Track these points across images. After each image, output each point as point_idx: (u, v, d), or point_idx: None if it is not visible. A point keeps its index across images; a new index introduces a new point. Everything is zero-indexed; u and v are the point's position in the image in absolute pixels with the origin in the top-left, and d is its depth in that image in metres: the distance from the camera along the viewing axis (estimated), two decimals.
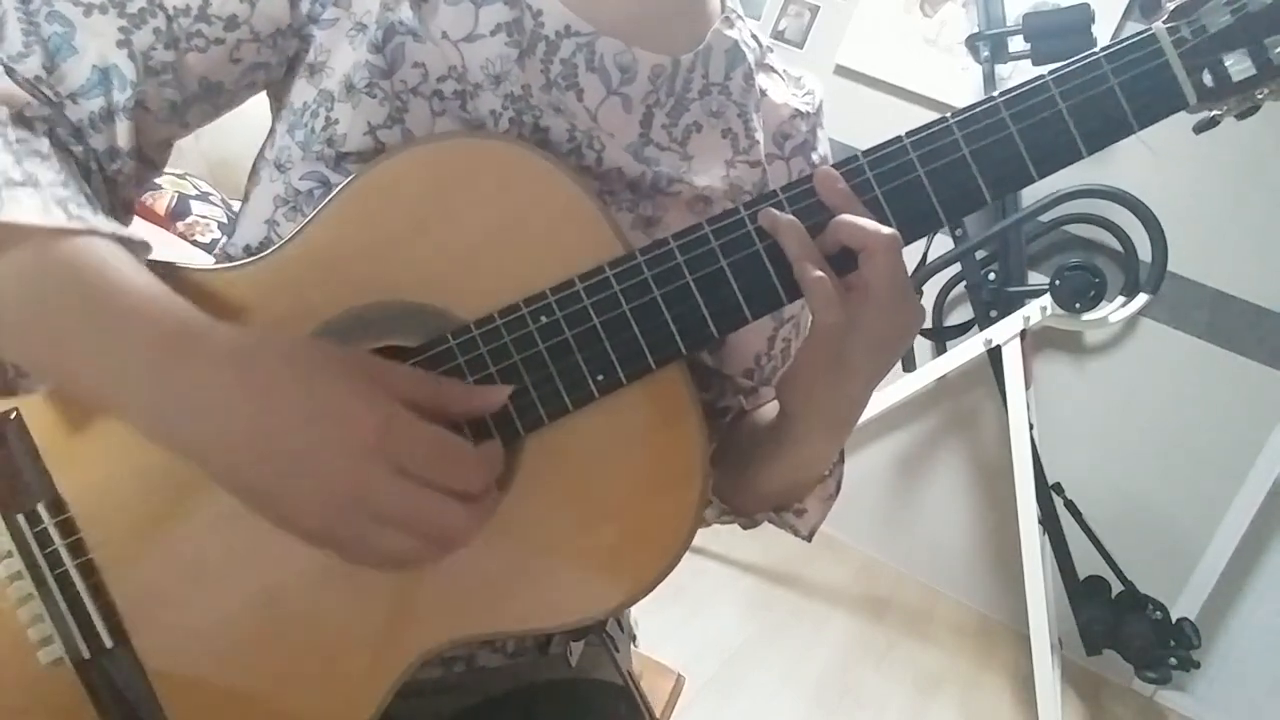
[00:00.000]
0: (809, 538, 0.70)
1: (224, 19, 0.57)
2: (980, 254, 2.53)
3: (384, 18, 0.58)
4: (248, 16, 0.57)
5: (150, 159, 0.61)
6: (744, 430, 0.71)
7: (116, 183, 0.58)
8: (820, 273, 0.53)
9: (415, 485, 0.46)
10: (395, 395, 0.47)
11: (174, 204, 1.94)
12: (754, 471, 0.67)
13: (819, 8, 2.88)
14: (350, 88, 0.58)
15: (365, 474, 0.45)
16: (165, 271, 0.53)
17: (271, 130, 0.64)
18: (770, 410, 0.68)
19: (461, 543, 0.48)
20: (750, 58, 0.69)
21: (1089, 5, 2.10)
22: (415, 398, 0.48)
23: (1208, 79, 0.57)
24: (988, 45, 2.45)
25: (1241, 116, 0.60)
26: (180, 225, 1.94)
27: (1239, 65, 0.57)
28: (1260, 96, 0.58)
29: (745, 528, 0.74)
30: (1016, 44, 2.39)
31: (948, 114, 0.56)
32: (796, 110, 0.72)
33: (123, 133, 0.56)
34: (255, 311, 0.55)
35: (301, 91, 0.60)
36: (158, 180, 1.97)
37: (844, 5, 2.84)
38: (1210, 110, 0.59)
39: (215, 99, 0.60)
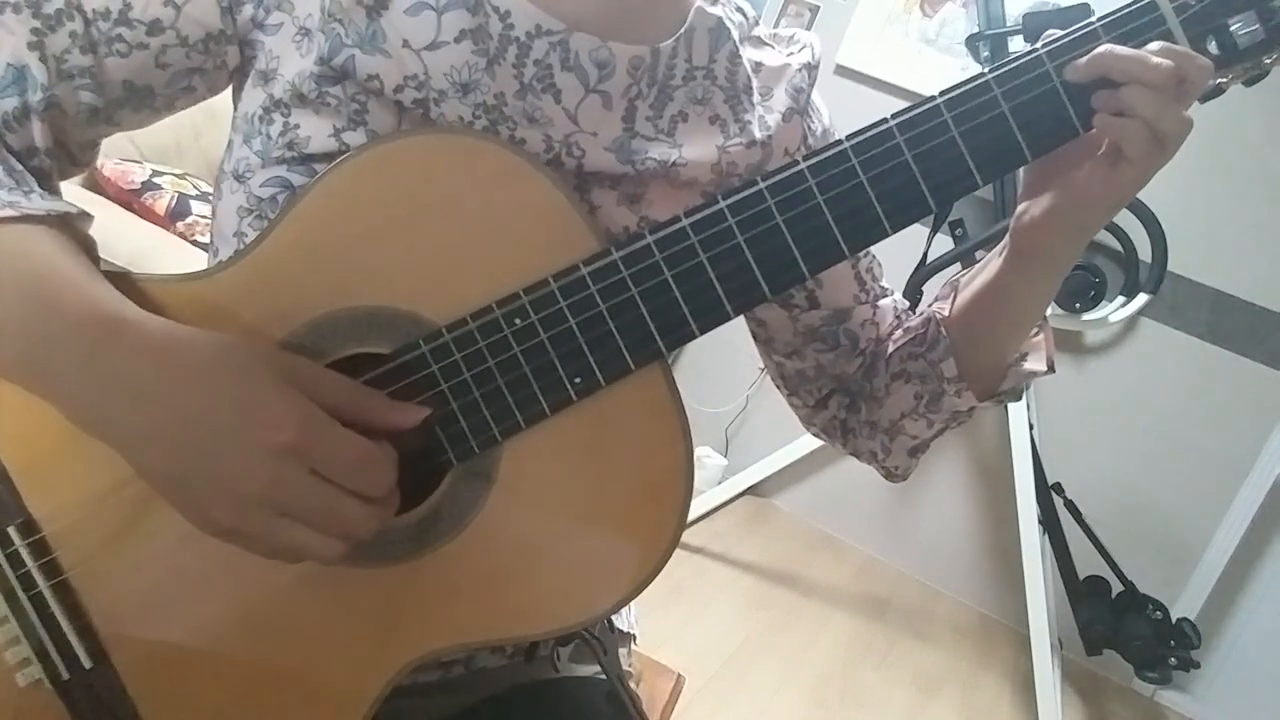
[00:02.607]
0: (1051, 369, 0.71)
1: (146, 23, 0.55)
2: (980, 254, 2.52)
3: (329, 28, 0.56)
4: (173, 21, 0.55)
5: (74, 156, 0.59)
6: (961, 314, 0.70)
7: (38, 177, 0.56)
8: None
9: (324, 485, 0.47)
10: (316, 399, 0.49)
11: (174, 204, 1.94)
12: (991, 336, 0.68)
13: (819, 8, 2.88)
14: (301, 96, 0.56)
15: (278, 473, 0.47)
16: (122, 281, 0.52)
17: (229, 143, 0.62)
18: (974, 288, 0.68)
19: (361, 539, 0.49)
20: (735, 34, 0.66)
21: (1089, 5, 2.09)
22: (335, 404, 0.50)
23: (1213, 46, 0.52)
24: (988, 45, 2.45)
25: (1250, 83, 0.56)
26: (180, 225, 1.94)
27: (1246, 30, 0.52)
28: (1269, 62, 0.53)
29: (1001, 402, 0.72)
30: (1016, 44, 2.39)
31: (935, 94, 0.54)
32: (804, 63, 0.69)
33: (39, 132, 0.54)
34: (224, 320, 0.53)
35: (254, 99, 0.59)
36: (158, 180, 1.97)
37: (844, 5, 2.84)
38: (1216, 78, 0.54)
39: (147, 103, 0.58)
